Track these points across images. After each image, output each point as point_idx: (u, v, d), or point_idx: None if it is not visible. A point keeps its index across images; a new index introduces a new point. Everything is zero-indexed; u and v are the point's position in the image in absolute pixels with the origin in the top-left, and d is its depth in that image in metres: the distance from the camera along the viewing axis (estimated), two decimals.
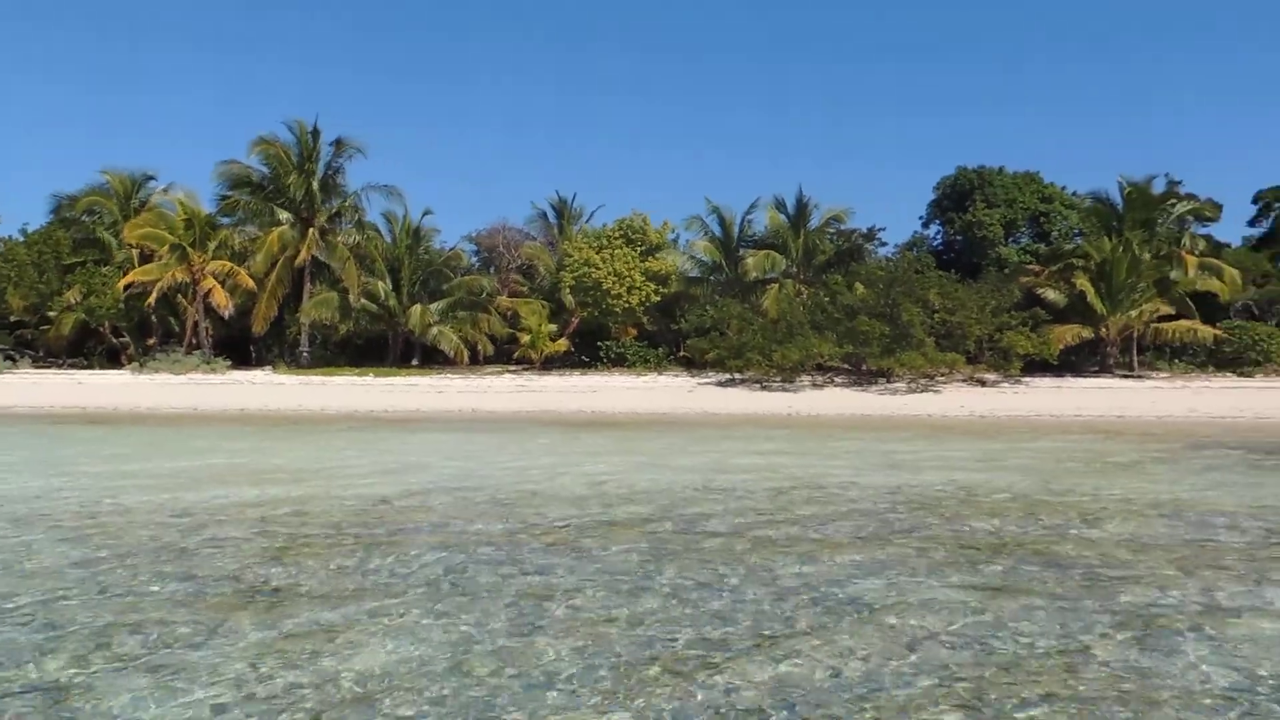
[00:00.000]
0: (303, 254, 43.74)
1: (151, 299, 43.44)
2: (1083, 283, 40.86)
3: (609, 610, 6.55)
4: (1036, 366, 39.23)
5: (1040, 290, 42.54)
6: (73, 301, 44.72)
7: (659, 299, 45.43)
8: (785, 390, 36.85)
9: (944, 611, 6.46)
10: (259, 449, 19.96)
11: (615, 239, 46.06)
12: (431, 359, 46.03)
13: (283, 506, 11.15)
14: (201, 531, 9.51)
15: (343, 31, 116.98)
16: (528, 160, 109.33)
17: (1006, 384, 37.88)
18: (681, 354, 44.60)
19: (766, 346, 38.09)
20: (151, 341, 46.86)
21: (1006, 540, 9.12)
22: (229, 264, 43.81)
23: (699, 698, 4.93)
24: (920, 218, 55.08)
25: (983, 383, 38.20)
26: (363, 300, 44.52)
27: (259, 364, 46.29)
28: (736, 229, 48.10)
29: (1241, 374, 40.25)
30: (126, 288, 43.98)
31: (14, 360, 45.43)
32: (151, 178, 49.34)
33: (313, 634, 6.00)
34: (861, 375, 39.39)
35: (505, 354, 46.26)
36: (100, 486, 12.91)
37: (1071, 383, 38.18)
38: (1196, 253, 43.97)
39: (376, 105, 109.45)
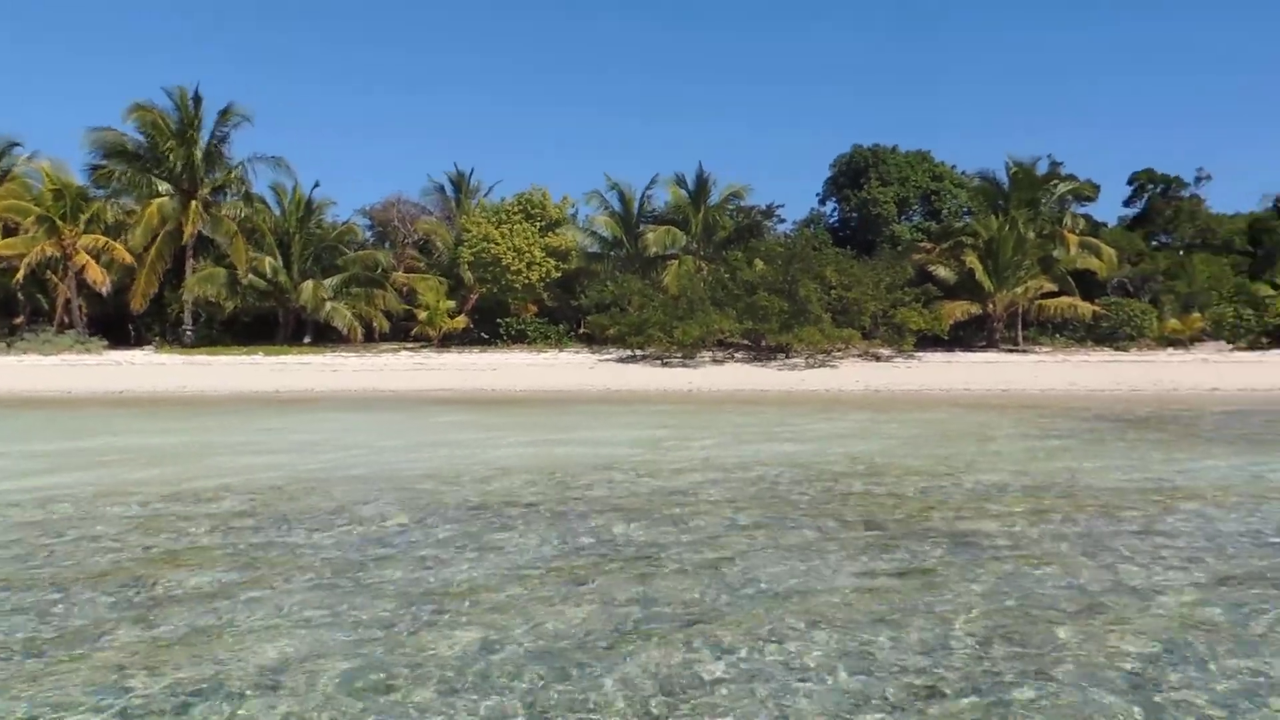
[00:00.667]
0: (187, 229, 41.66)
1: (19, 275, 40.81)
2: (972, 260, 42.16)
3: (510, 597, 6.34)
4: (928, 342, 40.35)
5: (932, 267, 43.75)
6: None
7: (559, 275, 45.00)
8: (686, 366, 37.00)
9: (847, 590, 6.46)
10: (137, 431, 18.95)
11: (515, 214, 45.34)
12: (324, 337, 44.63)
13: (162, 494, 10.53)
14: (72, 523, 8.88)
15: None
16: (424, 131, 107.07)
17: (900, 359, 38.85)
18: (582, 331, 44.34)
19: (667, 323, 38.15)
20: (19, 321, 44.10)
21: (903, 512, 9.25)
22: (103, 238, 41.49)
23: (607, 685, 4.77)
24: (817, 195, 55.98)
25: (878, 358, 39.08)
26: (251, 276, 42.77)
27: (139, 344, 44.08)
28: (637, 205, 47.97)
29: (1117, 348, 42.23)
30: None
31: None
32: (16, 144, 46.20)
33: (197, 632, 5.61)
34: (761, 351, 39.86)
35: (402, 331, 45.19)
36: None
37: (961, 357, 39.42)
38: (1077, 232, 45.87)
39: (265, 69, 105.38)
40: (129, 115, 42.72)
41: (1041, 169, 47.37)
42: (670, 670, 5.00)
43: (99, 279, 40.98)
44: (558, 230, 45.84)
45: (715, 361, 38.55)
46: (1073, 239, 44.55)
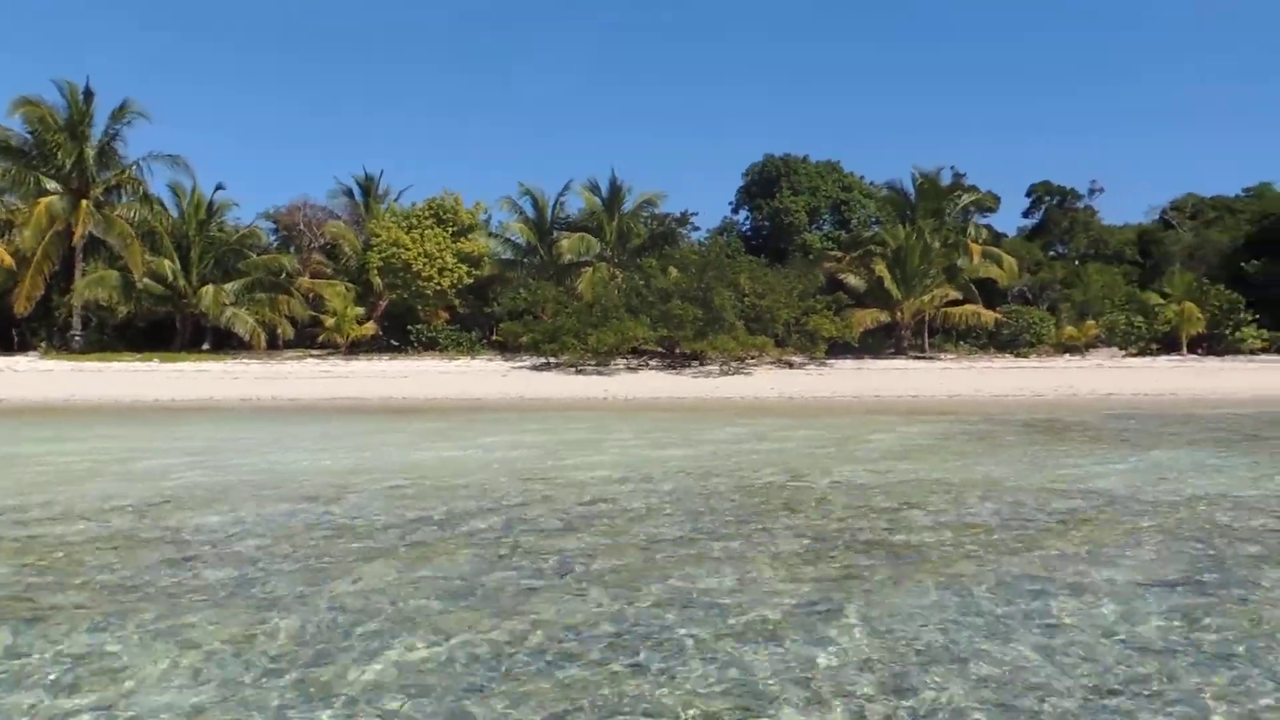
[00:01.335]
0: (77, 230, 39.65)
1: None
2: (881, 269, 43.03)
3: (426, 625, 5.98)
4: (839, 349, 40.99)
5: (842, 275, 44.52)
6: None
7: (471, 281, 44.33)
8: (601, 374, 36.75)
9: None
10: (16, 440, 17.80)
11: (425, 219, 44.51)
12: (225, 343, 43.03)
13: (43, 510, 9.80)
14: None
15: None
16: (331, 135, 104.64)
17: (812, 366, 39.35)
18: (495, 338, 43.74)
19: (581, 330, 37.87)
20: None
21: (832, 517, 9.17)
22: None
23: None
24: (730, 203, 56.53)
25: (790, 365, 39.51)
26: (147, 280, 40.96)
27: (22, 349, 41.78)
28: (550, 211, 47.69)
29: (1018, 355, 43.60)
30: None
31: None
32: None
33: (80, 661, 5.12)
34: (675, 359, 39.89)
35: (308, 338, 43.88)
36: None
37: (871, 364, 40.13)
38: (980, 241, 47.29)
39: (164, 69, 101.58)
40: (14, 110, 40.59)
41: (945, 180, 48.74)
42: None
43: None
44: (470, 236, 45.18)
45: (630, 369, 38.42)
46: (976, 249, 45.89)
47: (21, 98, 40.39)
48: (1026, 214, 63.26)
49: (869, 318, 42.75)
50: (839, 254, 47.30)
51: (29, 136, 41.27)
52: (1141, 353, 44.13)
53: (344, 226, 48.61)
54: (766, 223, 52.35)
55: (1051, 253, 57.92)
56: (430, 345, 43.36)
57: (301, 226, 50.09)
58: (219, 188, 45.27)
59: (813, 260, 46.23)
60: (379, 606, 6.22)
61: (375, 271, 43.51)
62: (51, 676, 4.98)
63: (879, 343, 44.64)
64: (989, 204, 53.84)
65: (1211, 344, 44.30)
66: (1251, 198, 59.77)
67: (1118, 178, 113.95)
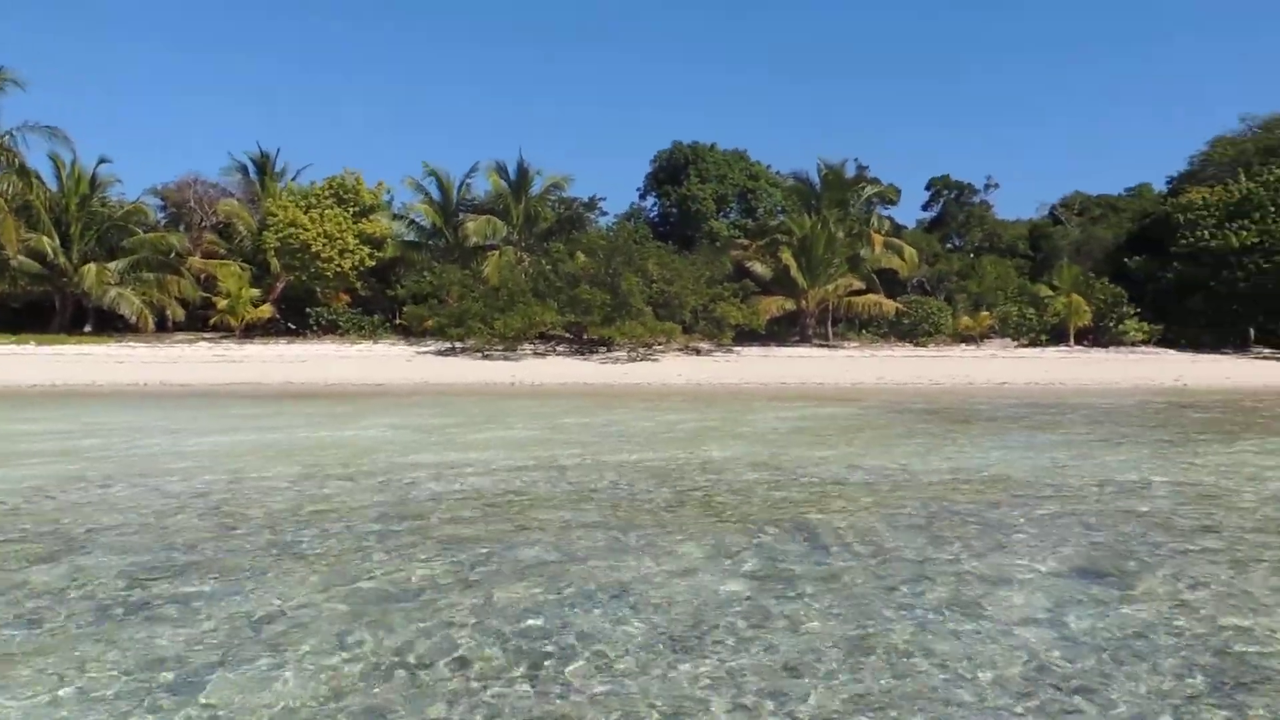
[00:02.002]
0: None
1: None
2: (786, 257, 43.52)
3: (336, 639, 5.64)
4: (745, 336, 41.33)
5: (749, 263, 44.88)
6: None
7: (374, 263, 43.15)
8: (508, 359, 36.25)
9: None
10: None
11: (325, 198, 43.09)
12: (109, 325, 40.94)
13: None
14: None
15: None
16: (223, 110, 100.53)
17: (720, 353, 39.58)
18: (399, 322, 42.71)
19: (488, 314, 37.27)
20: None
21: (748, 504, 9.09)
22: None
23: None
24: (638, 189, 56.40)
25: (698, 351, 39.66)
26: (21, 258, 38.61)
27: None
28: (456, 193, 46.73)
29: (917, 344, 44.72)
30: None
31: None
32: None
33: None
34: (583, 344, 39.62)
35: (200, 321, 42.09)
36: None
37: (776, 351, 40.59)
38: (882, 233, 48.25)
39: (46, 19, 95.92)
40: None
41: (849, 172, 49.60)
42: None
43: None
44: (372, 217, 43.96)
45: (537, 355, 38.02)
46: (878, 239, 46.83)
47: None
48: (925, 207, 64.99)
49: (775, 306, 43.22)
50: (746, 242, 47.67)
51: None
52: (1032, 343, 45.75)
53: (238, 205, 46.64)
54: (674, 209, 52.42)
55: (949, 245, 59.60)
56: (330, 329, 42.09)
57: (192, 204, 47.89)
58: (102, 161, 43.06)
59: (720, 248, 46.49)
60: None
61: (272, 252, 41.91)
62: None
63: (784, 331, 45.19)
64: (891, 196, 55.07)
65: (1097, 336, 46.21)
66: (1133, 197, 62.59)
67: (1012, 173, 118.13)
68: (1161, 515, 9.03)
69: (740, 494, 10.02)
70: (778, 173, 53.70)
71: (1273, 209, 43.39)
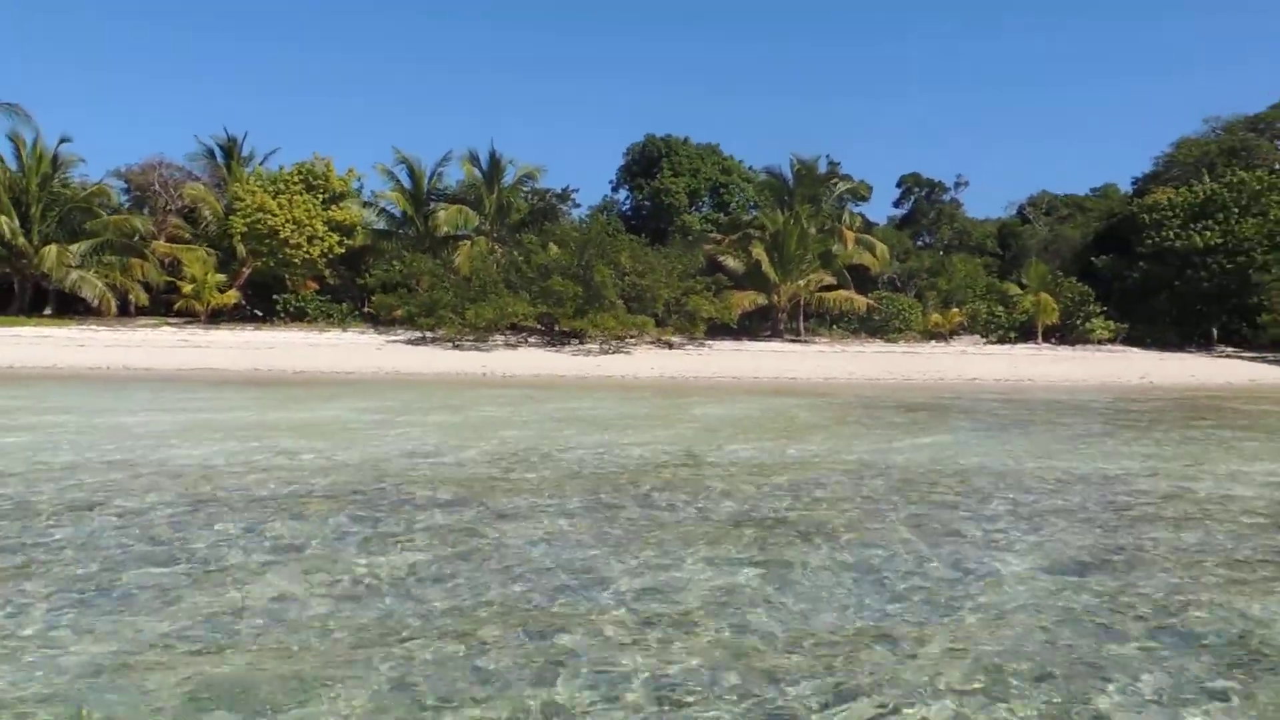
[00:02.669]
0: None
1: None
2: (759, 252, 43.51)
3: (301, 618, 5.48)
4: (717, 330, 41.27)
5: (721, 257, 44.82)
6: None
7: (343, 251, 42.58)
8: (479, 350, 35.92)
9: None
10: None
11: (294, 184, 42.41)
12: (70, 308, 40.12)
13: None
14: None
15: None
16: (190, 92, 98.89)
17: (692, 346, 39.51)
18: (368, 310, 42.22)
19: (459, 304, 36.90)
20: None
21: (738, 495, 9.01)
22: None
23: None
24: (610, 181, 56.15)
25: (670, 345, 39.52)
26: None
27: None
28: (428, 181, 46.19)
29: (888, 340, 44.90)
30: None
31: None
32: None
33: None
34: (555, 336, 39.37)
35: (164, 305, 41.32)
36: None
37: (748, 346, 40.58)
38: (854, 229, 48.38)
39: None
40: None
41: (822, 168, 49.67)
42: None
43: None
44: (342, 204, 43.36)
45: (509, 346, 37.71)
46: (850, 235, 46.96)
47: None
48: (897, 204, 65.37)
49: (747, 300, 43.19)
50: (718, 236, 47.59)
51: None
52: (1001, 340, 46.11)
53: (205, 189, 45.73)
54: (647, 202, 52.23)
55: (919, 242, 59.99)
56: (298, 316, 41.50)
57: (157, 187, 46.95)
58: (64, 140, 42.15)
59: (692, 241, 46.38)
60: None
61: (239, 237, 41.19)
62: None
63: (756, 325, 45.18)
64: (863, 193, 55.21)
65: (1064, 333, 46.65)
66: (1099, 197, 63.34)
67: (981, 173, 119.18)
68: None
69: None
70: (750, 168, 53.69)
71: (1236, 210, 44.01)
